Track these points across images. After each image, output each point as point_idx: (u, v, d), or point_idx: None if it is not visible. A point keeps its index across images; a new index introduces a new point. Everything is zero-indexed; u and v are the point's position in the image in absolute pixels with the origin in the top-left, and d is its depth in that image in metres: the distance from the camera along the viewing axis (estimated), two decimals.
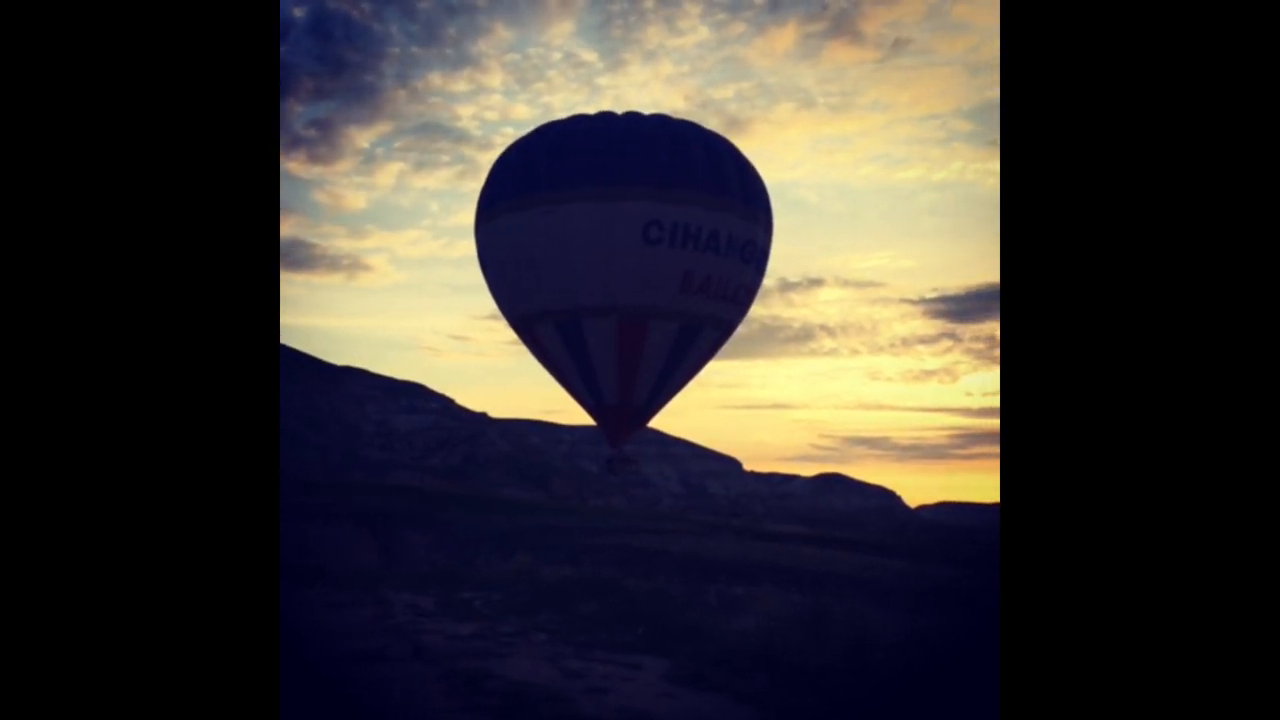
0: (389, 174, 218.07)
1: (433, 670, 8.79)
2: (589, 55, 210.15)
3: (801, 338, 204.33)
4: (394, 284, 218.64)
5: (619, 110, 18.31)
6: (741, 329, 19.52)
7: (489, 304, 19.47)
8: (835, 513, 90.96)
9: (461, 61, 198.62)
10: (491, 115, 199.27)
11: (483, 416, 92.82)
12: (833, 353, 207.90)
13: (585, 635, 11.10)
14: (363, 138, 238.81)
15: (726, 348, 19.48)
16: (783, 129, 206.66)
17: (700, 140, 17.81)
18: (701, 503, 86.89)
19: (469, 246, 19.21)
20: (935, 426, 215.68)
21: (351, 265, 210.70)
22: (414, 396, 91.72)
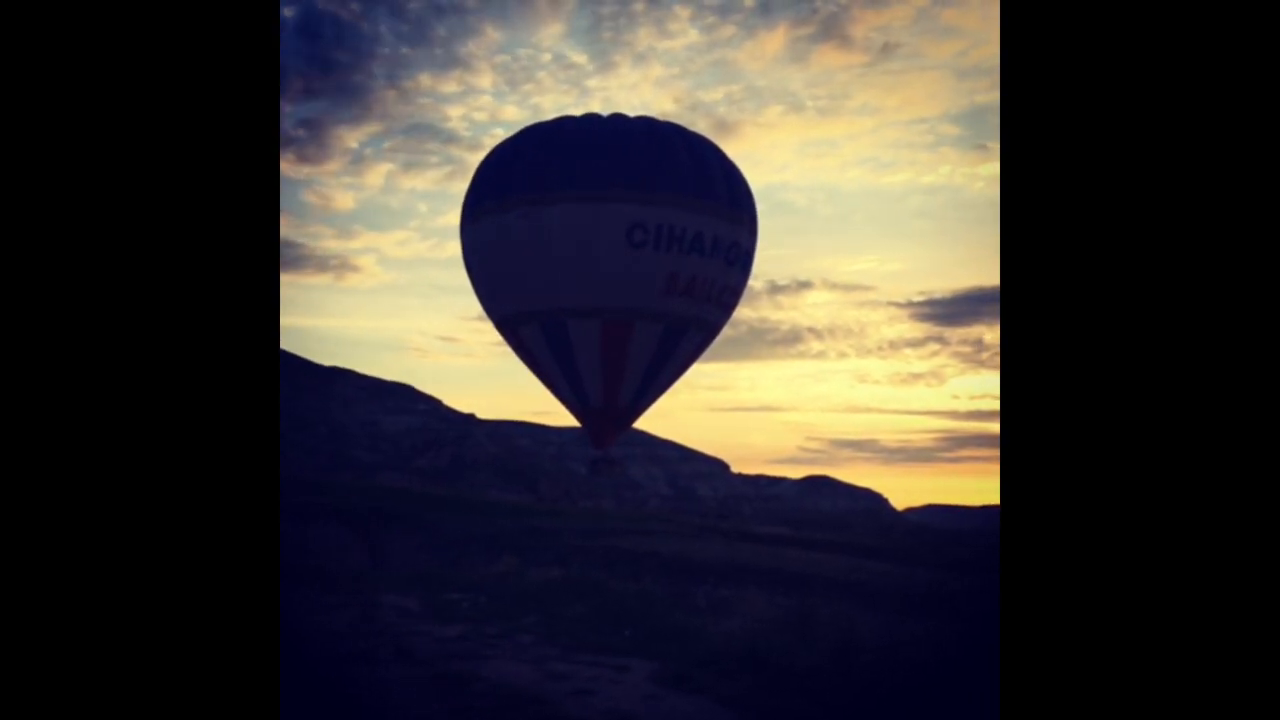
0: (378, 174, 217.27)
1: (419, 672, 8.75)
2: (579, 57, 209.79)
3: (789, 340, 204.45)
4: (382, 285, 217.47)
5: (607, 113, 18.33)
6: (729, 331, 19.60)
7: (477, 305, 19.46)
8: (822, 515, 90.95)
9: (451, 62, 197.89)
10: (481, 116, 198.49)
11: (470, 418, 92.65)
12: (820, 355, 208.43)
13: (572, 637, 11.06)
14: (351, 138, 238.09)
15: (714, 349, 19.54)
16: (771, 132, 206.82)
17: (684, 142, 17.84)
18: (689, 505, 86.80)
19: (457, 248, 19.23)
20: (922, 429, 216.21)
21: (339, 266, 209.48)
22: (401, 397, 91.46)
